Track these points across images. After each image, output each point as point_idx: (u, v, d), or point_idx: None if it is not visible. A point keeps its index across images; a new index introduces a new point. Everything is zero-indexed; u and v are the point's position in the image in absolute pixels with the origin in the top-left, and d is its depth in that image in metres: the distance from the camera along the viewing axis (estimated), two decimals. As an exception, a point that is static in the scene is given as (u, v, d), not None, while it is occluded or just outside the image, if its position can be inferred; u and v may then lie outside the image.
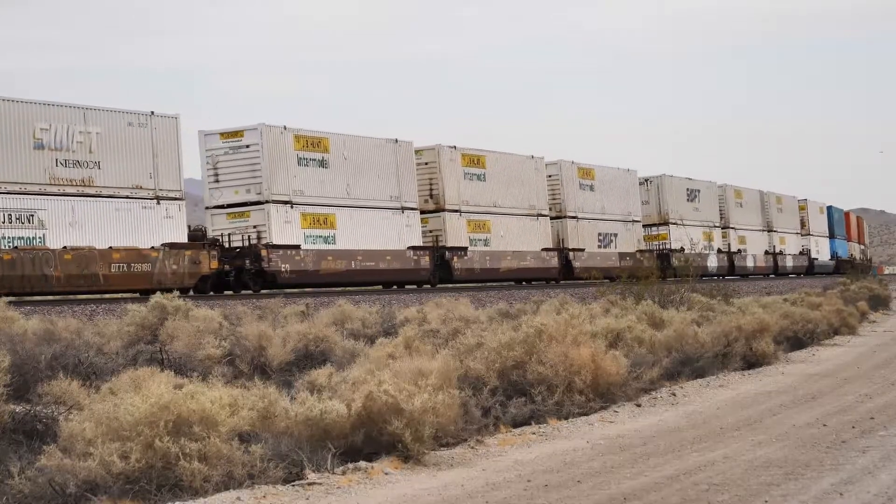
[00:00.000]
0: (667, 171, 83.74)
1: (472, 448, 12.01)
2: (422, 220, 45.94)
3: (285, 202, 39.64)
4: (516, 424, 13.30)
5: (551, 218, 54.09)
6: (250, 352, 17.29)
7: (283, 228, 39.35)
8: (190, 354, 16.73)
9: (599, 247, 57.45)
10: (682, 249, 61.41)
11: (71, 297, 33.09)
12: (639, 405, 15.39)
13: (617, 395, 15.27)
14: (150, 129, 35.49)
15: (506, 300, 35.94)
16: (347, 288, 42.11)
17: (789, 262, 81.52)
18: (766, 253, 77.22)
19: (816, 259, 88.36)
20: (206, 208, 40.03)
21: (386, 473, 10.52)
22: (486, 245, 48.58)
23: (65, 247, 32.12)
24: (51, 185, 32.52)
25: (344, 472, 10.36)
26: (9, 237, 31.24)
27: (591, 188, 57.86)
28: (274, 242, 38.74)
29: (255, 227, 39.00)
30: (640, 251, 60.34)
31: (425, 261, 44.57)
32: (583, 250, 55.68)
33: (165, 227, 35.56)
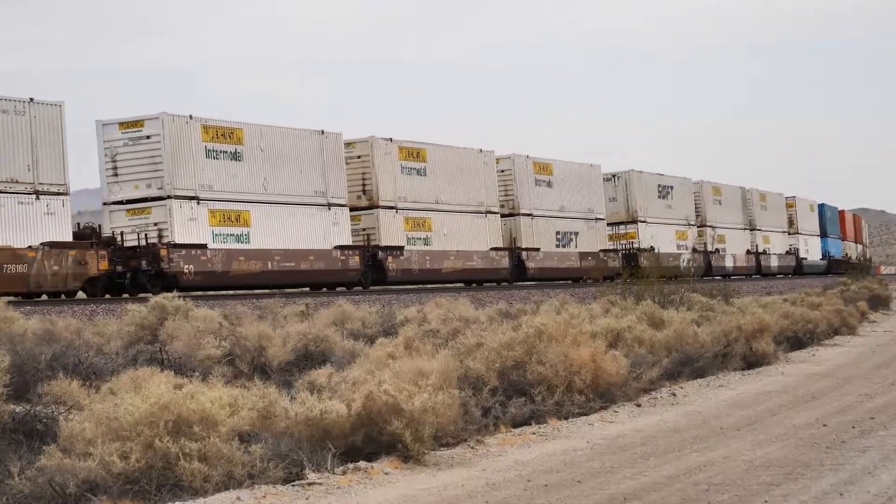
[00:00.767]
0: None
1: (472, 448, 12.01)
2: (353, 217, 43.28)
3: (190, 197, 36.87)
4: (516, 424, 13.30)
5: (503, 215, 51.55)
6: (250, 352, 17.29)
7: (188, 226, 36.56)
8: (190, 354, 16.73)
9: (558, 246, 54.70)
10: (652, 249, 60.01)
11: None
12: (639, 405, 15.39)
13: (617, 395, 15.27)
14: (29, 117, 32.56)
15: (506, 300, 35.91)
16: (265, 291, 38.93)
17: (774, 262, 79.06)
18: (748, 252, 74.60)
19: (805, 259, 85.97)
20: (104, 204, 37.25)
21: (386, 473, 10.52)
22: (426, 244, 45.89)
23: None
24: None
25: (344, 472, 10.37)
26: None
27: (549, 184, 54.82)
28: (176, 241, 35.99)
29: (156, 224, 36.15)
30: (605, 251, 58.13)
31: (355, 261, 41.92)
32: (538, 250, 52.86)
33: (46, 225, 32.67)
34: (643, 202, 62.74)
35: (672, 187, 66.23)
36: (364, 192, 44.20)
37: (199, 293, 35.46)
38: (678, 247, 64.90)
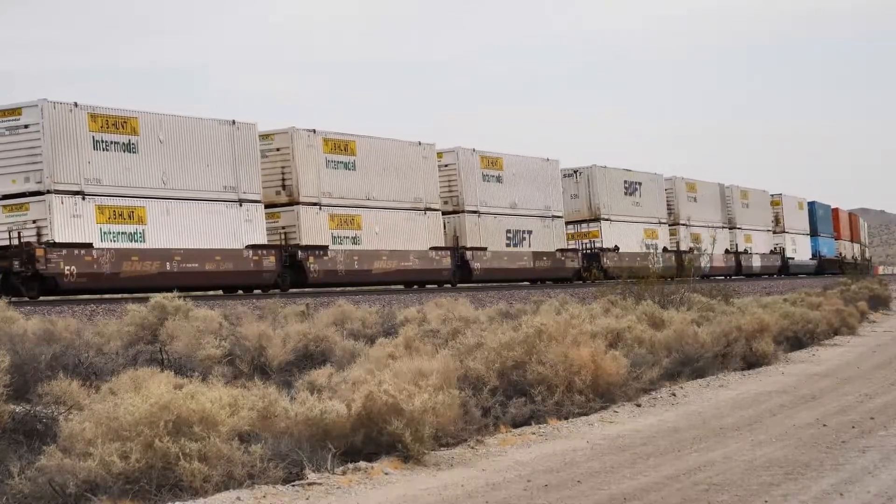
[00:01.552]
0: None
1: (472, 448, 12.01)
2: (271, 215, 40.13)
3: (74, 193, 33.54)
4: (516, 424, 13.30)
5: (446, 213, 48.01)
6: (250, 352, 17.29)
7: (71, 224, 33.24)
8: (190, 354, 16.74)
9: (508, 245, 51.00)
10: (617, 248, 57.66)
11: (71, 297, 32.27)
12: (639, 405, 15.39)
13: (617, 395, 15.28)
14: None
15: (506, 300, 35.93)
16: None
17: (756, 262, 75.31)
18: (727, 252, 70.36)
19: (792, 258, 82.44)
20: None
21: (386, 473, 10.52)
22: (355, 243, 42.46)
23: None
24: None
25: (344, 472, 10.37)
26: None
27: (499, 179, 51.14)
28: (56, 240, 32.70)
29: (34, 222, 32.85)
30: (562, 251, 54.54)
31: (270, 262, 38.56)
32: (485, 249, 49.11)
33: None
34: (607, 199, 59.31)
35: (640, 183, 62.67)
36: (284, 187, 40.84)
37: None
38: (647, 246, 60.33)
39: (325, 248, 40.86)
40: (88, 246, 33.37)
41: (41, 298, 31.84)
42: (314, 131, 41.66)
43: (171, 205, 36.07)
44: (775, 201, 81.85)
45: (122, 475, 9.31)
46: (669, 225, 65.60)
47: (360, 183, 43.26)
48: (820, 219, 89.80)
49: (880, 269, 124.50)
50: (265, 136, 40.48)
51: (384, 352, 14.78)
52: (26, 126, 33.17)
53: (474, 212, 49.37)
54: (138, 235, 34.91)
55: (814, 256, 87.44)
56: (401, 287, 45.11)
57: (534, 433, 13.01)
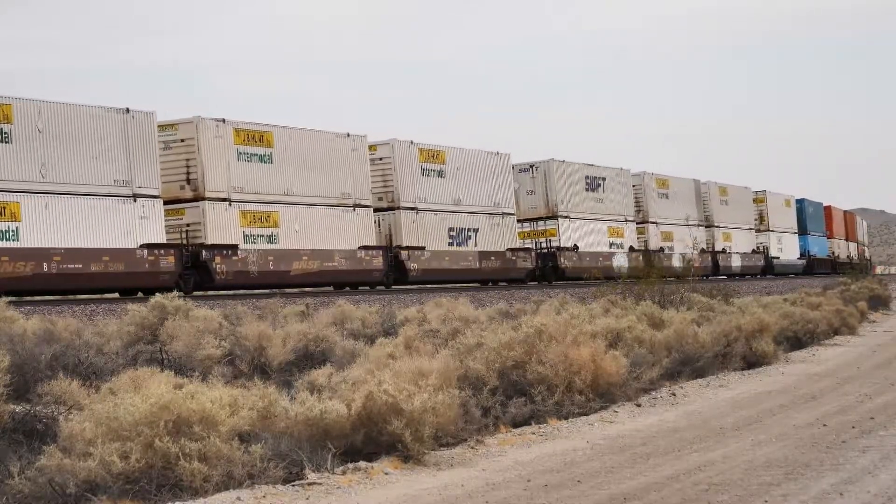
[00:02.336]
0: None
1: (472, 448, 12.01)
2: (175, 211, 36.94)
3: None
4: (516, 424, 13.30)
5: (379, 210, 44.61)
6: (250, 352, 17.29)
7: None
8: (190, 354, 16.74)
9: (451, 244, 47.47)
10: (576, 247, 54.89)
11: (71, 296, 32.16)
12: (639, 405, 15.40)
13: (617, 395, 15.28)
14: None
15: (506, 300, 35.93)
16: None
17: (736, 262, 71.82)
18: (703, 251, 66.32)
19: (777, 258, 78.88)
20: None
21: (386, 473, 10.53)
22: (270, 242, 39.06)
23: None
24: None
25: (344, 472, 10.37)
26: None
27: (440, 174, 47.57)
28: None
29: None
30: (513, 250, 51.06)
31: (168, 262, 35.17)
32: (423, 249, 45.58)
33: None
34: (566, 195, 55.66)
35: (604, 179, 58.99)
36: (189, 181, 37.46)
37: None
38: (611, 245, 58.17)
39: (234, 247, 37.50)
40: None
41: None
42: (223, 121, 38.38)
43: (51, 200, 32.77)
44: (759, 198, 78.91)
45: (122, 475, 9.31)
46: (637, 223, 62.29)
47: (278, 177, 39.95)
48: (810, 217, 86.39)
49: (878, 269, 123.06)
50: (168, 126, 37.42)
51: (384, 352, 14.78)
52: None
53: (412, 208, 45.89)
54: (10, 234, 31.70)
55: (802, 256, 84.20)
56: (329, 289, 41.94)
57: (534, 433, 13.01)
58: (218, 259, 36.86)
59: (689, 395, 16.59)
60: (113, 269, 33.62)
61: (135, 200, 34.84)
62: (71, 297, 32.72)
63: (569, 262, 53.69)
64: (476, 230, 49.09)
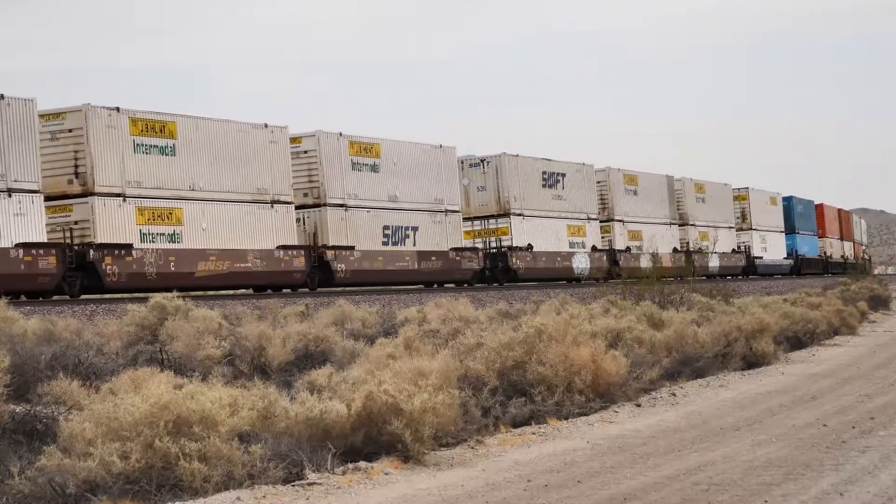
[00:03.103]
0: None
1: (472, 448, 12.01)
2: (61, 208, 33.74)
3: None
4: (516, 424, 13.30)
5: (304, 206, 41.51)
6: (250, 352, 17.29)
7: None
8: (190, 354, 16.73)
9: (386, 244, 44.17)
10: (530, 247, 51.66)
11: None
12: (639, 405, 15.40)
13: (617, 395, 15.28)
14: None
15: (506, 300, 35.93)
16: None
17: (713, 262, 67.52)
18: (675, 251, 63.17)
19: (761, 258, 75.15)
20: None
21: (386, 473, 10.53)
22: (173, 241, 35.72)
23: None
24: None
25: (344, 472, 10.37)
26: None
27: (374, 168, 44.14)
28: None
29: None
30: (457, 250, 47.57)
31: (48, 263, 31.69)
32: (352, 249, 42.09)
33: None
34: (520, 192, 52.15)
35: (564, 175, 55.46)
36: (77, 175, 34.10)
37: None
38: (571, 245, 55.03)
39: (128, 246, 34.26)
40: None
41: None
42: (118, 109, 35.00)
43: None
44: (741, 196, 75.28)
45: (122, 475, 9.32)
46: (602, 221, 58.88)
47: (182, 171, 36.44)
48: (799, 215, 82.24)
49: (876, 270, 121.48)
50: (55, 115, 34.25)
51: (384, 352, 14.79)
52: None
53: (340, 205, 42.37)
54: None
55: (790, 255, 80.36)
56: (249, 291, 39.47)
57: (534, 433, 13.01)
58: (108, 260, 33.62)
59: (689, 396, 16.59)
60: None
61: (9, 196, 31.43)
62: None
63: (522, 263, 50.85)
64: (415, 229, 45.87)
